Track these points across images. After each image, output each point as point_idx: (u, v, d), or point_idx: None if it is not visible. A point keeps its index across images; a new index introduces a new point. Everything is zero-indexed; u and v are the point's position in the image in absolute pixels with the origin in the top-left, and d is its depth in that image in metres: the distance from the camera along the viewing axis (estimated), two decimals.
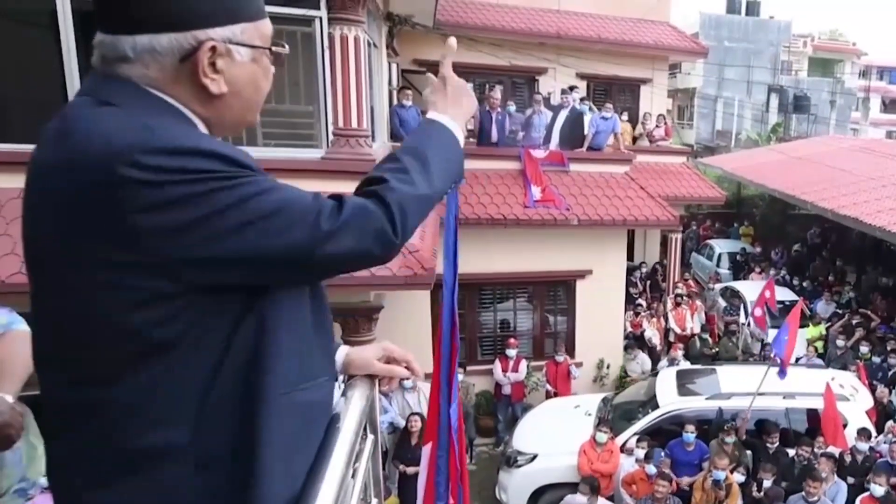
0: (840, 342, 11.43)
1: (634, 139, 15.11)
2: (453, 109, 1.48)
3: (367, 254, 1.23)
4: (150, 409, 1.11)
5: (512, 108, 11.21)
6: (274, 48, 1.29)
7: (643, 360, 10.87)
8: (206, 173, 1.08)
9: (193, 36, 1.14)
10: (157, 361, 1.10)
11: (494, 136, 10.50)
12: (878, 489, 6.87)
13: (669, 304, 12.71)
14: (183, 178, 1.05)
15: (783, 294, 13.90)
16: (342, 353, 1.55)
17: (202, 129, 1.23)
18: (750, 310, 12.12)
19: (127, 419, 1.11)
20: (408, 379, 1.66)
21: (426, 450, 5.22)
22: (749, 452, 7.88)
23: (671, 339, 11.90)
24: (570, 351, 10.71)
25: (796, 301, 13.78)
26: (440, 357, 5.02)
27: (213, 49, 1.16)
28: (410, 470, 7.20)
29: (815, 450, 7.71)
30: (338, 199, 1.21)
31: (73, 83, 5.30)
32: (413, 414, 7.66)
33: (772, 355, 8.35)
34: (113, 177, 1.02)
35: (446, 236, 4.65)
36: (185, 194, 1.05)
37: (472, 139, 11.49)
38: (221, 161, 1.10)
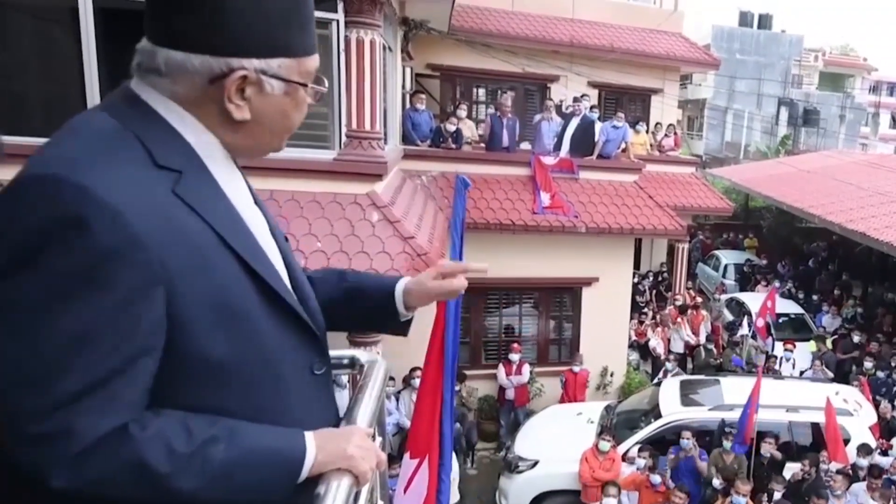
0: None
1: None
2: (335, 445, 1.19)
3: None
4: None
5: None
6: (311, 86, 1.25)
7: None
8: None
9: (227, 62, 1.13)
10: None
11: (505, 141, 10.52)
12: None
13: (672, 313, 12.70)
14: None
15: (788, 307, 13.91)
16: (401, 284, 1.56)
17: (218, 153, 1.20)
18: (753, 321, 12.11)
19: None
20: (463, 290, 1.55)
21: (414, 463, 4.36)
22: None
23: (679, 349, 11.84)
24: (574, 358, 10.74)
25: (801, 314, 13.85)
26: (443, 367, 4.22)
27: (244, 78, 1.15)
28: None
29: (821, 465, 7.67)
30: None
31: (92, 80, 5.37)
32: None
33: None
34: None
35: (452, 238, 4.51)
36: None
37: (481, 144, 11.57)
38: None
